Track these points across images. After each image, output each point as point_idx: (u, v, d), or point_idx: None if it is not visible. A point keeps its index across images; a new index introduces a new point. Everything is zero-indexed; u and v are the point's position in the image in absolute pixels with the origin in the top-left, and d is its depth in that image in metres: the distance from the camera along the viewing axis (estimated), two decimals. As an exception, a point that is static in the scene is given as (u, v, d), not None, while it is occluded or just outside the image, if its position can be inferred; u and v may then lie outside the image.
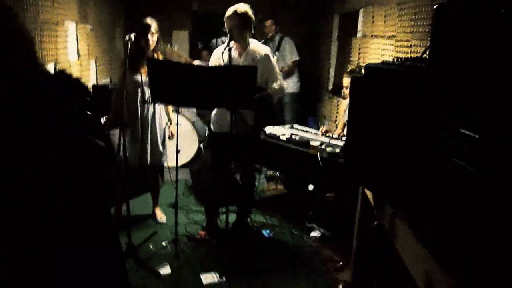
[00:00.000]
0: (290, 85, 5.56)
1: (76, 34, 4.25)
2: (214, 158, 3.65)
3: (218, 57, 3.38)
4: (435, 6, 1.55)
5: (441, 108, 1.59)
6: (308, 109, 6.27)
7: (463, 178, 1.33)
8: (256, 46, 3.43)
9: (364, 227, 2.83)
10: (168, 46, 3.58)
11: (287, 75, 5.59)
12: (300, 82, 5.81)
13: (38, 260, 1.94)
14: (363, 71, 4.19)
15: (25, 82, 1.85)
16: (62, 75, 1.92)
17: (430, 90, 1.58)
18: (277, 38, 5.74)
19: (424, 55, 2.03)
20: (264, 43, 5.33)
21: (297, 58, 5.72)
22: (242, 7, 3.30)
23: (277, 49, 5.67)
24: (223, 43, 5.73)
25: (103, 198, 1.89)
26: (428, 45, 1.77)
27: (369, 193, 2.53)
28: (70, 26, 4.07)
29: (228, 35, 3.29)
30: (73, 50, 4.17)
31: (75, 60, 4.23)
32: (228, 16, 3.30)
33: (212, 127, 3.56)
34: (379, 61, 4.18)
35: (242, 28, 3.26)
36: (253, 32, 3.41)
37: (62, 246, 2.01)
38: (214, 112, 3.52)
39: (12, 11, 1.69)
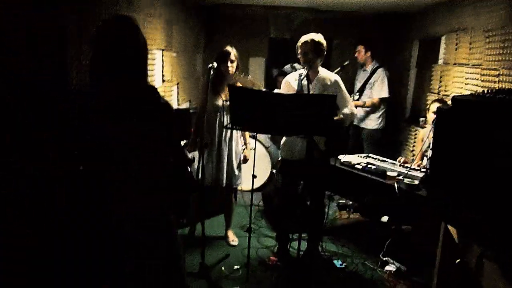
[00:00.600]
0: (369, 121, 5.20)
1: (162, 60, 4.52)
2: (285, 185, 3.68)
3: (289, 85, 3.47)
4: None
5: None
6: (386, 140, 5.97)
7: None
8: (326, 73, 3.50)
9: (446, 264, 2.68)
10: (243, 75, 3.69)
11: (370, 110, 5.17)
12: (385, 119, 5.22)
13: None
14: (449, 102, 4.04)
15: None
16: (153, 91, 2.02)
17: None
18: (369, 67, 5.25)
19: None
20: (342, 69, 5.28)
21: (386, 96, 5.13)
22: (317, 36, 3.40)
23: (367, 79, 5.23)
24: (295, 68, 5.85)
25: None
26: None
27: (452, 229, 2.40)
28: (157, 53, 4.34)
29: (304, 62, 3.36)
30: (158, 76, 4.43)
31: (160, 85, 4.49)
32: (303, 43, 3.38)
33: (282, 154, 3.61)
34: (462, 90, 4.04)
35: (314, 55, 3.33)
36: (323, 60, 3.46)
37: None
38: (284, 139, 3.58)
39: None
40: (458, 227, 2.13)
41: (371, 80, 5.21)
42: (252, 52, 6.57)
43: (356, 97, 5.25)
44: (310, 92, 3.29)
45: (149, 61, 4.01)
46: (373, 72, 5.21)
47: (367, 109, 5.17)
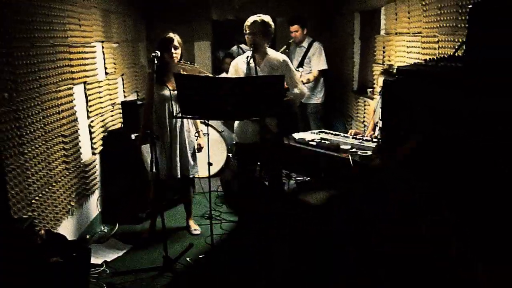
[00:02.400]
0: (313, 96, 5.34)
1: (103, 53, 4.33)
2: (241, 168, 3.68)
3: (237, 68, 3.42)
4: (470, 6, 1.51)
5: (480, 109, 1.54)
6: (333, 113, 6.16)
7: None
8: (274, 54, 3.49)
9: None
10: (189, 63, 3.60)
11: (312, 86, 5.31)
12: (325, 91, 5.46)
13: None
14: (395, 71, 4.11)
15: None
16: None
17: (469, 91, 1.53)
18: (305, 44, 5.37)
19: (457, 53, 1.99)
20: (288, 48, 5.30)
21: (325, 67, 5.31)
22: (264, 17, 3.35)
23: (305, 54, 5.35)
24: (242, 50, 5.79)
25: None
26: (459, 41, 1.72)
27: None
28: (97, 46, 4.15)
29: (252, 44, 3.32)
30: (101, 69, 4.25)
31: (104, 78, 4.32)
32: (250, 25, 3.34)
33: (236, 138, 3.59)
34: (405, 59, 4.14)
35: (262, 37, 3.31)
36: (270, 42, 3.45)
37: None
38: (236, 123, 3.56)
39: None
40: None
41: (308, 55, 5.35)
42: (196, 37, 6.44)
43: (298, 74, 5.29)
44: (259, 74, 3.26)
45: (89, 55, 3.85)
46: (309, 46, 5.34)
47: (310, 84, 5.25)
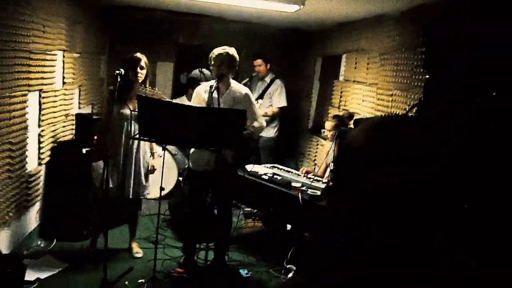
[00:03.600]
0: (267, 130, 5.27)
1: (63, 62, 4.24)
2: (192, 195, 3.68)
3: (200, 96, 3.47)
4: (426, 76, 1.66)
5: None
6: (286, 149, 6.24)
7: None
8: (237, 86, 3.57)
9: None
10: (150, 87, 3.61)
11: (268, 120, 5.30)
12: (279, 127, 5.52)
13: None
14: (347, 120, 4.28)
15: None
16: None
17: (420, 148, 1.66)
18: (268, 79, 5.50)
19: (411, 112, 2.14)
20: (250, 81, 5.42)
21: (284, 105, 5.43)
22: (231, 49, 3.46)
23: (265, 89, 5.46)
24: (204, 74, 5.83)
25: None
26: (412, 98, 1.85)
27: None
28: (58, 54, 4.07)
29: (215, 74, 3.40)
30: (59, 78, 4.15)
31: (61, 87, 4.21)
32: (215, 57, 3.41)
33: (190, 164, 3.61)
34: (360, 106, 4.35)
35: (227, 69, 3.41)
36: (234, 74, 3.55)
37: None
38: (192, 150, 3.58)
39: None
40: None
41: (269, 90, 5.46)
42: (159, 57, 6.43)
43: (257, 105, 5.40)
44: (221, 105, 3.32)
45: (49, 63, 3.76)
46: (271, 82, 5.47)
47: (267, 119, 5.36)
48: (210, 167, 3.27)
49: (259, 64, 5.50)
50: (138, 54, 3.55)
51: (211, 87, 3.41)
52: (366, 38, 4.42)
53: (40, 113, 3.75)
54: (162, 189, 3.31)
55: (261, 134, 5.37)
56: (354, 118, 2.49)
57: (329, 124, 4.16)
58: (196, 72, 6.05)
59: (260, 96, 5.48)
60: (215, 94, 3.35)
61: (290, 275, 3.76)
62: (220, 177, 3.23)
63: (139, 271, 3.60)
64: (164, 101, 3.26)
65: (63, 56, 4.26)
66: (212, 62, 3.43)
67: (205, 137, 2.76)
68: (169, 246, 4.14)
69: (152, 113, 2.76)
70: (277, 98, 5.43)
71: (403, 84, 3.55)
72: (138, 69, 3.49)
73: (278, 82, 5.47)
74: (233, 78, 3.60)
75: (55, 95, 4.02)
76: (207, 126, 2.70)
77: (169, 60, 6.49)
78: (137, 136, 2.95)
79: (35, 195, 3.75)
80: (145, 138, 2.95)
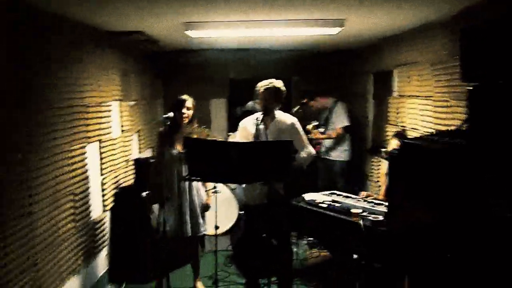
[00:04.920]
0: (337, 153, 5.31)
1: (120, 111, 4.45)
2: (248, 229, 3.65)
3: (246, 129, 3.47)
4: (468, 88, 1.51)
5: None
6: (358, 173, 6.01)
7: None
8: (283, 116, 3.55)
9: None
10: (203, 128, 3.67)
11: (336, 142, 5.30)
12: (351, 149, 5.39)
13: None
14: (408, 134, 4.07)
15: None
16: None
17: (471, 171, 1.51)
18: (329, 105, 5.42)
19: (463, 127, 1.98)
20: (301, 108, 5.37)
21: (346, 124, 5.28)
22: (277, 82, 3.47)
23: (330, 113, 5.36)
24: (256, 105, 5.87)
25: None
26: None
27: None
28: (113, 104, 4.28)
29: (263, 107, 3.38)
30: (116, 127, 4.35)
31: (119, 135, 4.41)
32: (263, 90, 3.41)
33: (244, 198, 3.60)
34: (417, 121, 4.12)
35: (274, 102, 3.41)
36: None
37: None
38: (244, 185, 3.57)
39: None
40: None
41: (332, 113, 5.38)
42: (212, 95, 6.59)
43: (321, 129, 5.32)
44: (267, 137, 3.30)
45: (105, 113, 3.96)
46: (333, 106, 5.39)
47: (333, 140, 5.29)
48: (262, 200, 3.23)
49: (314, 102, 5.44)
50: (184, 96, 3.65)
51: (257, 119, 3.41)
52: (416, 49, 4.23)
53: (101, 162, 3.93)
54: (216, 227, 3.30)
55: (335, 158, 5.30)
56: (402, 137, 2.35)
57: (393, 144, 3.98)
58: (250, 104, 6.11)
59: (326, 120, 5.38)
60: (261, 126, 3.35)
61: (359, 307, 3.55)
62: (273, 208, 3.17)
63: (205, 311, 3.58)
64: (208, 140, 3.29)
65: (120, 106, 4.48)
66: (259, 96, 3.44)
67: (251, 172, 2.73)
68: (234, 283, 4.10)
69: (197, 153, 2.79)
70: (337, 119, 5.32)
71: (459, 94, 3.32)
72: (184, 110, 3.58)
73: (339, 104, 5.40)
74: (284, 106, 3.58)
75: (114, 143, 4.20)
76: (252, 160, 2.68)
77: (222, 96, 6.63)
78: (187, 177, 2.99)
79: (102, 241, 3.89)
80: (194, 178, 2.97)
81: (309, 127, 5.18)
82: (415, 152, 1.91)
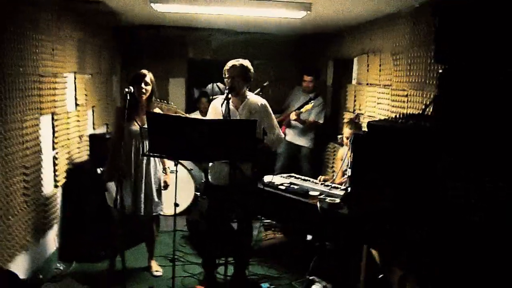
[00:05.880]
0: (305, 140, 5.41)
1: (75, 84, 4.27)
2: (210, 209, 3.62)
3: (216, 109, 3.41)
4: (440, 71, 1.56)
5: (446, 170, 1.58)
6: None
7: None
8: (253, 97, 3.52)
9: (370, 282, 2.76)
10: (165, 103, 3.58)
11: (304, 130, 5.38)
12: (315, 139, 5.50)
13: None
14: (361, 121, 4.23)
15: None
16: None
17: (436, 151, 1.57)
18: (312, 94, 5.40)
19: (427, 111, 2.04)
20: (261, 91, 5.36)
21: (321, 121, 5.40)
22: (244, 61, 3.43)
23: (306, 103, 5.29)
24: (219, 88, 5.83)
25: None
26: (427, 96, 1.77)
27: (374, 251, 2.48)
28: (69, 77, 4.09)
29: (228, 86, 3.34)
30: (71, 100, 4.17)
31: (73, 110, 4.23)
32: (229, 68, 3.37)
33: (209, 178, 3.55)
34: (375, 109, 4.25)
35: (242, 81, 3.35)
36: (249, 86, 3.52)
37: None
38: (210, 164, 3.53)
39: None
40: (378, 251, 2.19)
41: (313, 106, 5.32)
42: (171, 73, 6.45)
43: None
44: (238, 117, 3.28)
45: (60, 85, 3.78)
46: (314, 97, 5.34)
47: (300, 127, 5.32)
48: (227, 181, 3.21)
49: (310, 81, 5.44)
50: (143, 71, 3.55)
51: (227, 99, 3.36)
52: (378, 38, 4.33)
53: (53, 136, 3.76)
54: (176, 205, 3.25)
55: (302, 145, 5.34)
56: (368, 121, 2.41)
57: (346, 131, 4.09)
58: (209, 86, 6.06)
59: (300, 107, 5.38)
60: (231, 107, 3.32)
61: (313, 287, 3.64)
62: (237, 190, 3.16)
63: (159, 290, 3.55)
64: (173, 116, 3.23)
65: (75, 78, 4.29)
66: (226, 74, 3.40)
67: (216, 150, 2.70)
68: (189, 263, 4.08)
69: (161, 129, 2.73)
70: (318, 114, 5.36)
71: (417, 83, 3.44)
72: (143, 85, 3.48)
73: (320, 99, 5.42)
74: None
75: (68, 117, 4.03)
76: (217, 138, 2.65)
77: (180, 76, 6.51)
78: (147, 152, 2.92)
79: (53, 217, 3.74)
80: (156, 155, 2.91)
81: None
82: (379, 134, 1.95)
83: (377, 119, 3.12)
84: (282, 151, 5.49)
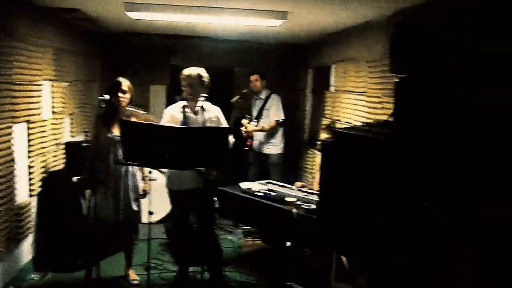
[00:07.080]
0: (271, 146, 5.32)
1: (52, 91, 4.24)
2: (178, 216, 3.68)
3: (173, 117, 3.48)
4: (396, 80, 1.60)
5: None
6: (292, 165, 6.14)
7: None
8: (208, 105, 3.58)
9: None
10: (135, 108, 3.58)
11: (269, 135, 5.30)
12: (285, 141, 5.40)
13: None
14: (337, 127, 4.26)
15: None
16: None
17: (393, 159, 1.60)
18: (263, 95, 5.38)
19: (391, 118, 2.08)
20: (241, 98, 5.39)
21: (281, 118, 5.29)
22: (199, 69, 3.50)
23: (263, 106, 5.34)
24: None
25: None
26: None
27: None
28: (45, 84, 4.06)
29: (186, 94, 3.41)
30: (47, 108, 4.14)
31: (50, 117, 4.20)
32: (185, 77, 3.43)
33: (169, 185, 3.58)
34: (352, 116, 4.30)
35: (199, 88, 3.43)
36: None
37: None
38: (166, 170, 3.57)
39: None
40: (348, 258, 2.22)
41: (267, 106, 5.35)
42: (153, 81, 6.45)
43: (254, 123, 5.33)
44: (198, 124, 3.35)
45: (35, 93, 3.76)
46: (267, 98, 5.36)
47: (266, 133, 5.30)
48: (192, 185, 3.26)
49: (255, 79, 5.38)
50: (120, 78, 3.53)
51: (183, 106, 3.42)
52: (354, 47, 4.40)
53: (28, 144, 3.73)
54: (150, 213, 3.25)
55: (269, 152, 5.33)
56: (333, 128, 2.46)
57: (323, 137, 4.13)
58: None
59: (258, 115, 5.38)
60: (189, 114, 3.37)
61: (290, 293, 3.66)
62: (199, 196, 3.21)
63: (136, 299, 3.52)
64: (145, 124, 3.22)
65: (52, 86, 4.26)
66: (183, 83, 3.44)
67: (188, 157, 2.71)
68: (166, 270, 4.06)
69: (133, 136, 2.73)
70: (274, 112, 5.32)
71: (391, 91, 3.49)
72: (120, 94, 3.47)
73: (274, 96, 5.38)
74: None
75: (44, 125, 4.00)
76: (189, 145, 2.66)
77: (162, 83, 6.51)
78: (123, 161, 2.92)
79: (27, 227, 3.70)
80: (130, 163, 2.90)
81: (244, 121, 5.20)
82: (346, 141, 1.99)
83: (344, 127, 3.16)
84: (254, 160, 5.49)
